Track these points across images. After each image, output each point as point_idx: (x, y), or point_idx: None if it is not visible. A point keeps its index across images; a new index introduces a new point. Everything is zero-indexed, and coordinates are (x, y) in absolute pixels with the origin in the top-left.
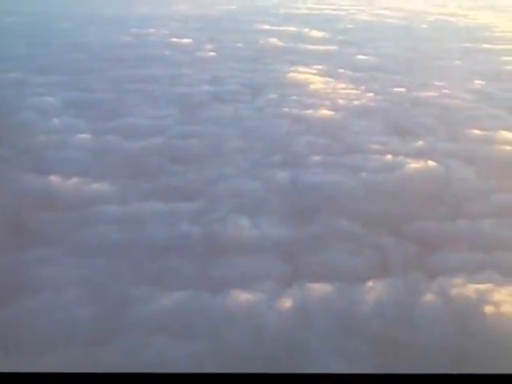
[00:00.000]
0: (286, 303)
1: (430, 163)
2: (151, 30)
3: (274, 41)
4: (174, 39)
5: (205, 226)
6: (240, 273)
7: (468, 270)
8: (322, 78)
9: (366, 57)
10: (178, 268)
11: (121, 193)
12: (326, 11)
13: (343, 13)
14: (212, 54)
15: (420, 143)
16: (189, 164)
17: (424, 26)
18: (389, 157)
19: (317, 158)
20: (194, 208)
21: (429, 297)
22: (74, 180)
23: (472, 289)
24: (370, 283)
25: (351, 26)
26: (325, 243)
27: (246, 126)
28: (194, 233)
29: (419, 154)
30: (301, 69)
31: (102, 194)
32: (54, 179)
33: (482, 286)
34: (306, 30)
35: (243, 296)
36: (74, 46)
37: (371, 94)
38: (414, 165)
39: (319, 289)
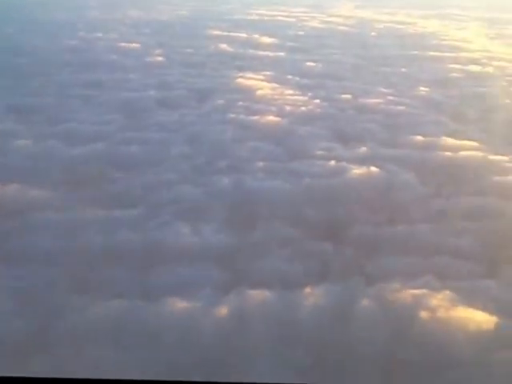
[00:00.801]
0: (223, 310)
1: (373, 169)
2: (99, 35)
3: (223, 46)
4: (123, 44)
5: (144, 233)
6: (178, 280)
7: (405, 275)
8: (269, 84)
9: (314, 63)
10: (115, 276)
11: (60, 200)
12: (278, 18)
13: (294, 19)
14: (160, 59)
15: (363, 149)
16: (130, 170)
17: (373, 33)
18: (332, 163)
19: (261, 163)
20: (133, 215)
21: (366, 302)
22: (13, 186)
23: (408, 294)
24: (308, 289)
25: (302, 32)
26: (264, 249)
27: (191, 131)
28: (132, 240)
29: (362, 160)
30: (249, 75)
31: (40, 200)
32: None
33: (418, 291)
34: (257, 36)
35: (179, 304)
36: (19, 50)
37: (318, 101)
38: (357, 170)
39: (257, 295)
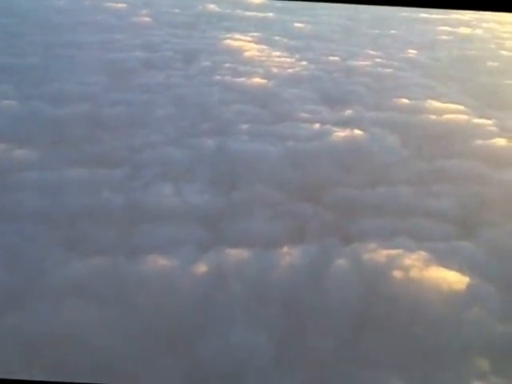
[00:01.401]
0: (201, 268)
1: (356, 132)
2: None
3: (211, 7)
4: (109, 4)
5: (127, 193)
6: (159, 239)
7: (382, 235)
8: (257, 46)
9: (303, 25)
10: (97, 234)
11: (44, 159)
12: None
13: None
14: (147, 19)
15: (348, 112)
16: (115, 131)
17: None
18: (317, 125)
19: (245, 126)
20: (117, 175)
21: (341, 262)
22: None
23: (383, 254)
24: (285, 249)
25: None
26: (245, 210)
27: (176, 93)
28: (115, 200)
29: (346, 123)
30: (237, 36)
31: (25, 160)
32: None
33: (393, 252)
34: None
35: (159, 261)
36: (4, 10)
37: (305, 63)
38: (340, 133)
39: (235, 254)
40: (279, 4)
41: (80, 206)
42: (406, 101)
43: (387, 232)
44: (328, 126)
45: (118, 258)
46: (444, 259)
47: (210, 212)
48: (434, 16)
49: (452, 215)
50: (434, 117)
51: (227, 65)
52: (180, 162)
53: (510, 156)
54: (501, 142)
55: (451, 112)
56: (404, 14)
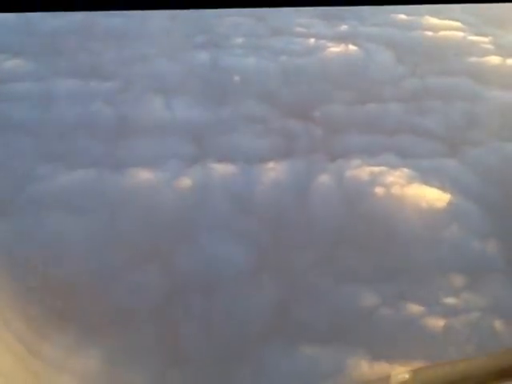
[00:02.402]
0: (186, 182)
1: (351, 47)
2: None
3: None
4: None
5: (117, 106)
6: (145, 153)
7: (367, 152)
8: None
9: None
10: (84, 147)
11: (36, 70)
12: None
13: None
14: None
15: (344, 27)
16: (109, 43)
17: None
18: (311, 40)
19: (240, 39)
20: (108, 88)
21: (325, 178)
22: None
23: (367, 171)
24: (270, 164)
25: None
26: (233, 126)
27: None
28: (105, 112)
29: (342, 38)
30: None
31: (16, 71)
32: None
33: (376, 169)
34: None
35: (143, 175)
36: None
37: None
38: (335, 49)
39: (220, 169)
40: None
41: (69, 118)
42: (403, 16)
43: (373, 149)
44: (323, 41)
45: (103, 171)
46: (427, 176)
47: (198, 126)
48: None
49: (439, 133)
50: (430, 33)
51: None
52: (172, 76)
53: (502, 74)
54: (495, 59)
55: (448, 29)
56: None
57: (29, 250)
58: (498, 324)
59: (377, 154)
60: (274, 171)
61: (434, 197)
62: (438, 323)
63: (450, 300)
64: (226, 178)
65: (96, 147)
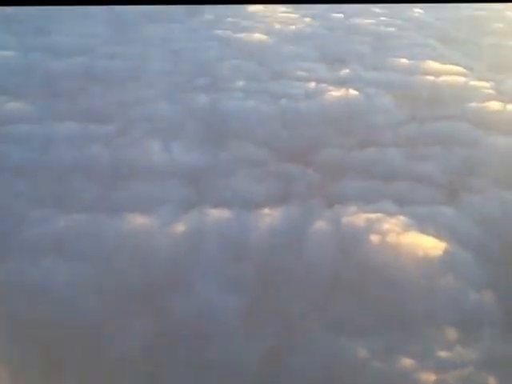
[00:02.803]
0: (180, 228)
1: (351, 91)
2: None
3: None
4: None
5: (115, 149)
6: (141, 196)
7: (364, 198)
8: None
9: None
10: (81, 190)
11: (36, 113)
12: None
13: None
14: None
15: (346, 71)
16: (109, 85)
17: None
18: (312, 84)
19: (241, 83)
20: (107, 130)
21: (320, 224)
22: None
23: (363, 218)
24: (266, 210)
25: None
26: (231, 169)
27: (175, 47)
28: (103, 155)
29: (342, 82)
30: None
31: (17, 113)
32: None
33: (373, 215)
34: None
35: (138, 220)
36: None
37: (308, 19)
38: (335, 93)
39: (216, 214)
40: None
41: (67, 161)
42: (405, 61)
43: (370, 195)
44: (323, 85)
45: (98, 215)
46: (423, 224)
47: (195, 170)
48: None
49: (437, 179)
50: (431, 78)
51: (230, 19)
52: (171, 118)
53: (502, 120)
54: (495, 105)
55: (449, 73)
56: None
57: (19, 296)
58: (492, 380)
59: (374, 201)
60: (269, 217)
61: (430, 245)
62: (429, 378)
63: (443, 353)
64: (221, 223)
65: (92, 191)
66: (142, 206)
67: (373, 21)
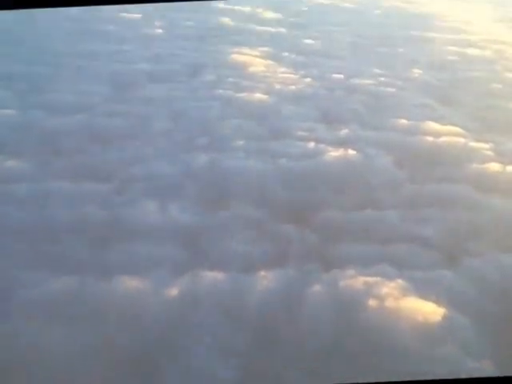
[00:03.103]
0: (173, 292)
1: (350, 152)
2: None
3: (225, 20)
4: (123, 14)
5: (111, 209)
6: (135, 258)
7: (362, 261)
8: (263, 61)
9: (313, 41)
10: (75, 252)
11: (31, 171)
12: None
13: None
14: (159, 31)
15: (345, 131)
16: (108, 144)
17: (377, 11)
18: (311, 144)
19: (241, 142)
20: (103, 190)
21: (318, 288)
22: None
23: (361, 281)
24: (262, 273)
25: (306, 8)
26: (228, 230)
27: (176, 107)
28: (97, 215)
29: (342, 142)
30: (245, 50)
31: (12, 172)
32: None
33: (370, 279)
34: (260, 10)
35: (131, 283)
36: (18, 17)
37: (308, 80)
38: (334, 153)
39: (211, 277)
40: (292, 19)
41: (61, 221)
42: (404, 121)
43: (368, 258)
44: (323, 145)
45: (90, 278)
46: (422, 289)
47: (191, 231)
48: (444, 36)
49: (436, 242)
50: (430, 138)
51: (231, 79)
52: (169, 178)
53: (503, 182)
54: (495, 166)
55: (449, 134)
56: (414, 32)
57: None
58: None
59: (372, 264)
60: (265, 280)
61: (430, 310)
62: None
63: None
64: (216, 287)
65: (85, 252)
66: (135, 268)
67: (372, 81)
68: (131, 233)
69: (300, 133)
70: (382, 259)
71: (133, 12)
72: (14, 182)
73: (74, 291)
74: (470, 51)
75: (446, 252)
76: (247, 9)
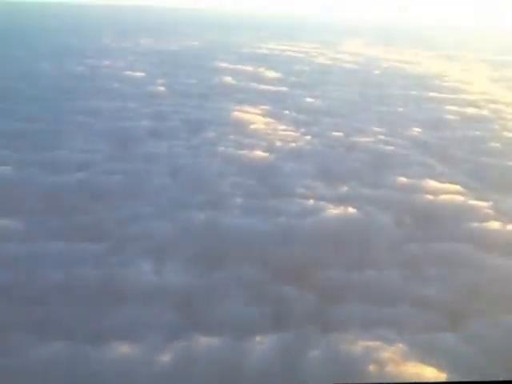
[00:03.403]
0: (166, 358)
1: (350, 209)
2: (107, 62)
3: (227, 79)
4: (128, 72)
5: (104, 269)
6: (127, 322)
7: (363, 324)
8: (265, 119)
9: (313, 99)
10: (65, 315)
11: (27, 230)
12: (288, 52)
13: (303, 55)
14: (162, 88)
15: (344, 189)
16: (107, 202)
17: (377, 71)
18: (311, 201)
19: (239, 200)
20: (98, 250)
21: (316, 353)
22: None
23: (361, 345)
24: (258, 337)
25: (307, 68)
26: (225, 292)
27: (176, 164)
28: (91, 276)
29: (342, 200)
30: (247, 108)
31: (7, 230)
32: None
33: (371, 343)
34: (262, 69)
35: (123, 349)
36: (25, 75)
37: (309, 137)
38: (334, 210)
39: (205, 342)
40: (294, 79)
41: (51, 284)
42: (403, 179)
43: (369, 320)
44: (322, 203)
45: (78, 343)
46: (423, 353)
47: (187, 293)
48: (443, 95)
49: (438, 303)
50: (430, 197)
51: (232, 136)
52: (166, 237)
53: (503, 240)
54: (495, 225)
55: (448, 192)
56: (414, 92)
57: None
58: None
59: (373, 327)
60: (262, 345)
61: (431, 376)
62: None
63: None
64: (211, 353)
65: (76, 315)
66: (126, 332)
67: (372, 139)
68: (124, 295)
69: (300, 190)
70: (383, 321)
71: (137, 70)
72: (5, 241)
73: (64, 358)
74: (469, 110)
75: (448, 313)
76: (249, 68)
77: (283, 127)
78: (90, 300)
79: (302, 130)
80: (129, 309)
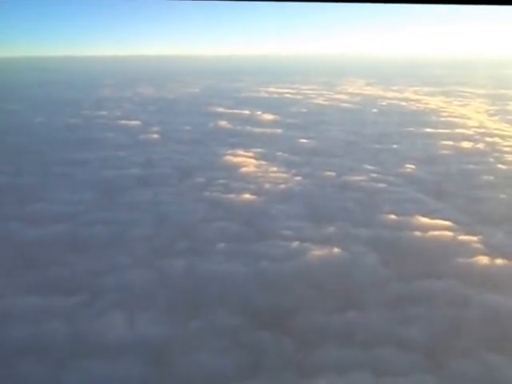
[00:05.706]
0: None
1: (335, 250)
2: (103, 112)
3: (223, 123)
4: (123, 121)
5: (76, 324)
6: (96, 379)
7: (341, 369)
8: (256, 161)
9: (307, 140)
10: (28, 374)
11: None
12: (286, 95)
13: (301, 97)
14: (155, 136)
15: (331, 229)
16: (84, 254)
17: (374, 110)
18: (296, 243)
19: (222, 245)
20: (70, 304)
21: None
22: None
23: None
24: None
25: (305, 109)
26: (199, 342)
27: (161, 211)
28: (59, 332)
29: (327, 240)
30: (239, 151)
31: None
32: None
33: None
34: (259, 113)
35: None
36: (17, 128)
37: (299, 178)
38: (318, 252)
39: None
40: (290, 120)
41: (17, 340)
42: (393, 217)
43: (347, 365)
44: (307, 244)
45: None
46: None
47: (159, 345)
48: (439, 131)
49: (420, 344)
50: (418, 233)
51: (220, 181)
52: (142, 288)
53: (491, 276)
54: (483, 260)
55: (438, 228)
56: (410, 128)
57: None
58: None
59: (351, 372)
60: None
61: None
62: None
63: None
64: None
65: (42, 374)
66: None
67: (364, 177)
68: (94, 350)
69: (285, 232)
70: (362, 365)
71: (133, 119)
72: None
73: None
74: (464, 144)
75: (430, 354)
76: (246, 112)
77: (274, 169)
78: (56, 358)
79: (294, 171)
80: (98, 365)
